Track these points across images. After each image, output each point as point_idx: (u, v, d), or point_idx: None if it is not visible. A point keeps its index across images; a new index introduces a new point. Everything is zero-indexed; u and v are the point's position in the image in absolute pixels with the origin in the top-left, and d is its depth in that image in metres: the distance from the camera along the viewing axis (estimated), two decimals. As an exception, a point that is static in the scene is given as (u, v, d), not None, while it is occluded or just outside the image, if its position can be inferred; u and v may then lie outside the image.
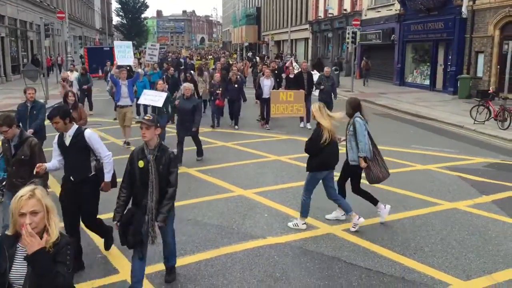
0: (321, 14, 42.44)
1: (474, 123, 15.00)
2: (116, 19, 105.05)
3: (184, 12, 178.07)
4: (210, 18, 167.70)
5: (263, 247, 6.17)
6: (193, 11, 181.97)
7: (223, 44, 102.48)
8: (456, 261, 5.79)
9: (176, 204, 7.69)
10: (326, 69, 15.26)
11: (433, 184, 8.99)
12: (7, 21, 30.67)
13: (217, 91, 14.42)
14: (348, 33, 25.54)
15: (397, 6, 27.76)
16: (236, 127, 14.71)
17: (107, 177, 5.59)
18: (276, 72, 16.45)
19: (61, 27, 32.23)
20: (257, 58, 41.88)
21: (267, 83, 14.74)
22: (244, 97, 15.34)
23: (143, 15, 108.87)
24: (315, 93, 15.19)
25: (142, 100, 11.84)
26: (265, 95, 14.60)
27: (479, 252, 6.05)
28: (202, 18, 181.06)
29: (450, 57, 23.61)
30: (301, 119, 14.86)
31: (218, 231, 6.72)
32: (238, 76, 15.70)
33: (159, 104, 11.07)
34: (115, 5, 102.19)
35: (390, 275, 5.42)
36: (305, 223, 6.82)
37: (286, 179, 9.24)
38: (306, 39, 48.56)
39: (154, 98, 11.33)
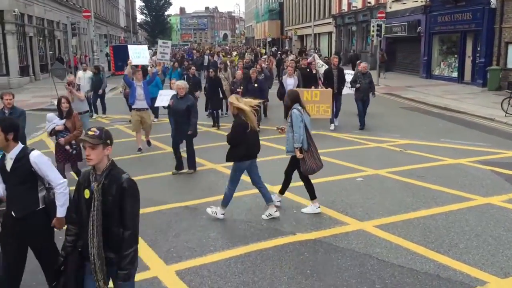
0: (344, 7, 41.95)
1: (505, 116, 14.60)
2: (140, 17, 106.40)
3: (207, 8, 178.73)
4: (233, 14, 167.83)
5: (293, 244, 6.11)
6: (216, 8, 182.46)
7: (246, 39, 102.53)
8: (492, 258, 5.62)
9: (205, 200, 7.78)
10: (362, 64, 13.80)
11: (465, 178, 8.77)
12: (35, 21, 31.28)
13: (238, 90, 13.31)
14: (373, 26, 25.17)
15: (423, -3, 27.21)
16: (258, 129, 13.96)
17: (60, 212, 4.35)
18: (308, 70, 15.36)
19: (87, 26, 32.68)
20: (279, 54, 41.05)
21: (290, 82, 13.68)
22: (265, 98, 13.74)
23: (166, 13, 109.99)
24: (350, 91, 14.26)
25: (158, 102, 11.37)
26: None
27: (517, 249, 5.86)
28: (224, 14, 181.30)
29: (478, 49, 23.02)
30: (331, 120, 13.64)
31: (247, 227, 6.69)
32: (262, 75, 14.80)
33: (165, 103, 10.56)
34: (139, 3, 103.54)
35: (424, 273, 5.29)
36: (223, 213, 6.96)
37: (315, 175, 9.10)
38: (330, 33, 48.11)
39: (168, 98, 10.49)
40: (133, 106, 11.43)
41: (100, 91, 16.36)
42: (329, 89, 13.00)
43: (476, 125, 14.30)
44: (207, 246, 6.08)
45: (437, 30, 26.66)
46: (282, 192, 7.44)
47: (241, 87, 13.40)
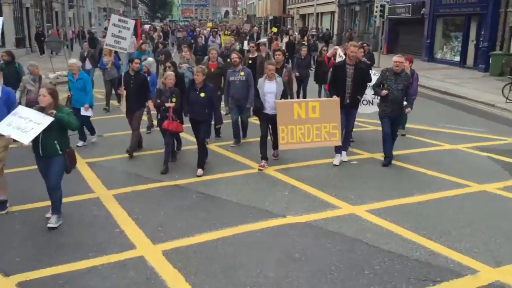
0: (348, -14, 41.28)
1: (506, 102, 14.40)
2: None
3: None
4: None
5: (283, 226, 5.99)
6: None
7: (248, 17, 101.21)
8: (484, 247, 5.51)
9: (196, 180, 7.64)
10: (395, 58, 8.36)
11: (461, 164, 8.63)
12: (32, -9, 30.77)
13: (167, 104, 8.00)
14: (376, 6, 24.76)
15: (429, -22, 26.70)
16: (200, 171, 7.98)
17: None
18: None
19: (85, -1, 32.23)
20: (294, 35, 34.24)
21: (269, 88, 8.20)
22: (219, 119, 8.44)
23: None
24: (372, 108, 10.02)
25: (3, 128, 5.69)
26: (268, 109, 8.24)
27: (510, 237, 5.74)
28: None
29: (482, 33, 22.70)
30: (337, 149, 8.62)
31: (237, 208, 6.56)
32: (242, 71, 9.40)
33: (26, 139, 5.55)
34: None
35: (414, 260, 5.18)
36: None
37: (309, 156, 8.97)
38: (332, 13, 47.43)
39: (26, 125, 5.61)
40: None
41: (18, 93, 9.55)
42: (335, 99, 8.12)
43: (476, 111, 14.11)
44: (195, 227, 5.96)
45: (442, 13, 26.24)
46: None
47: (174, 99, 8.04)
